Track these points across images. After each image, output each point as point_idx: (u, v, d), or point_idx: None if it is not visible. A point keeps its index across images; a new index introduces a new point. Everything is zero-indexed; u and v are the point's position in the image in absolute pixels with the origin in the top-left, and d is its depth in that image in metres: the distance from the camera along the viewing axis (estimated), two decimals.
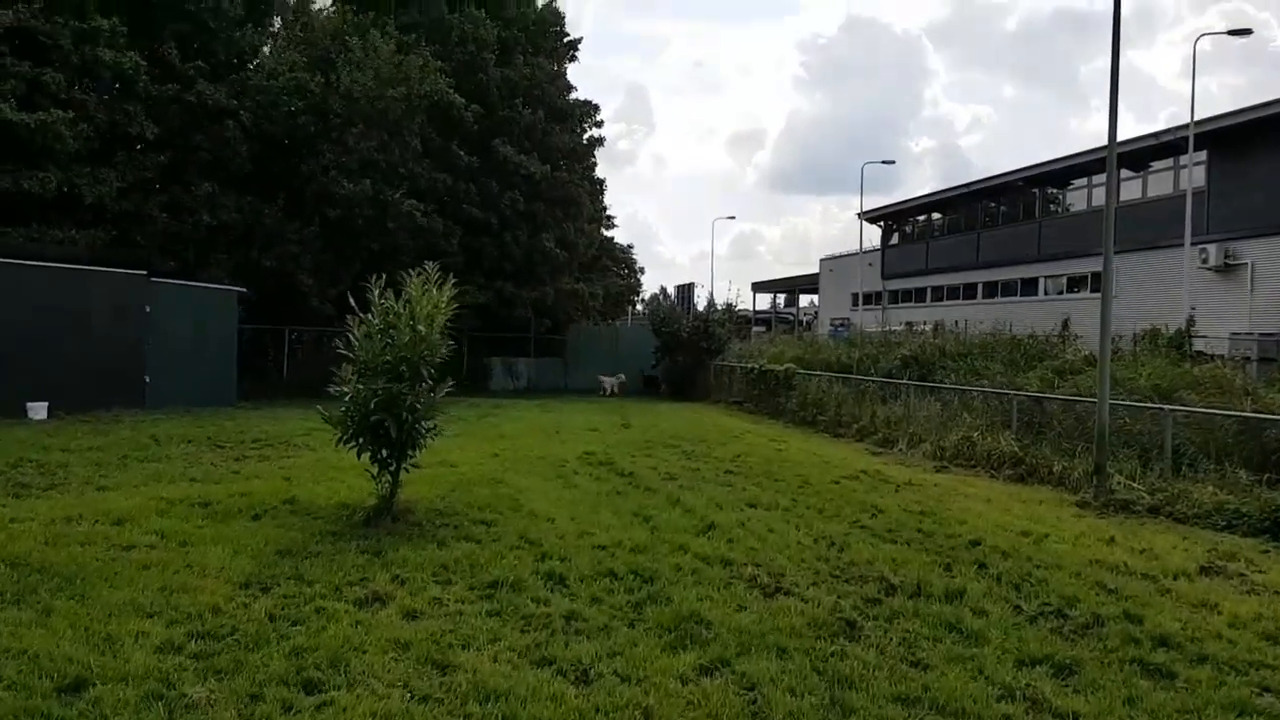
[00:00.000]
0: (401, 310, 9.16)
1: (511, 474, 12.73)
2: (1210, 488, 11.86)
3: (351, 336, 9.23)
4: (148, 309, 19.92)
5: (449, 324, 9.55)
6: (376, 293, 9.33)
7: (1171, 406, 13.40)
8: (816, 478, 13.49)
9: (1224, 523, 11.05)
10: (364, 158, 26.31)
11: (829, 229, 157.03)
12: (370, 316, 9.33)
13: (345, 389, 9.04)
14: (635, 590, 7.14)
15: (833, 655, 5.83)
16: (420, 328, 9.03)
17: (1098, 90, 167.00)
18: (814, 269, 65.01)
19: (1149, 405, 14.10)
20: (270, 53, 26.06)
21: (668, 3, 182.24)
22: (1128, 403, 14.41)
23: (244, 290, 22.36)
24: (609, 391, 31.79)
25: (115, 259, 20.35)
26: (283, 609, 6.28)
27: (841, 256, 60.23)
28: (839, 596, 7.19)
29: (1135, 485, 12.57)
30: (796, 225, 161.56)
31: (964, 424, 17.61)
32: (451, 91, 27.99)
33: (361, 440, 9.13)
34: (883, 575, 7.87)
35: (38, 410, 17.43)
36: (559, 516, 9.87)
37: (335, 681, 5.02)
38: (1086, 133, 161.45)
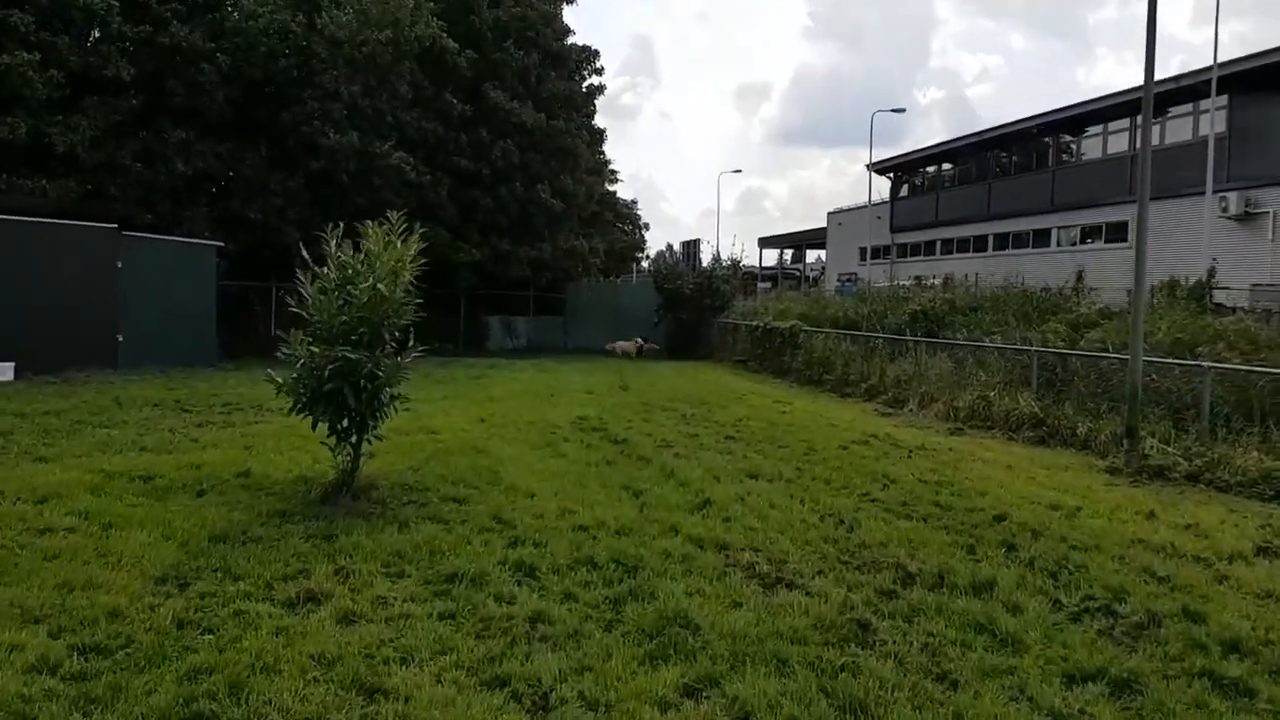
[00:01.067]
0: (360, 266, 8.16)
1: (496, 441, 11.78)
2: (1255, 453, 10.87)
3: (304, 293, 8.23)
4: (120, 264, 18.91)
5: (416, 281, 8.54)
6: (333, 244, 8.33)
7: (1210, 363, 12.35)
8: (823, 443, 12.53)
9: (1272, 492, 10.08)
10: (349, 104, 25.10)
11: (837, 183, 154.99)
12: (326, 270, 8.34)
13: (297, 353, 8.05)
14: (616, 583, 6.20)
15: (843, 670, 4.88)
16: (381, 286, 8.02)
17: (1106, 39, 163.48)
18: (821, 224, 63.65)
19: (1183, 362, 13.06)
20: None
21: None
22: (1160, 359, 13.37)
23: (223, 245, 21.30)
24: (624, 355, 29.92)
25: (88, 211, 19.31)
26: (196, 612, 5.35)
27: (849, 210, 58.82)
28: (849, 589, 6.25)
29: (1169, 449, 11.60)
30: (804, 180, 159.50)
31: (979, 382, 16.66)
32: (444, 35, 26.67)
33: (317, 410, 8.17)
34: (898, 561, 6.92)
35: (3, 371, 16.52)
36: (541, 491, 8.93)
37: (229, 717, 4.08)
38: (1094, 84, 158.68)
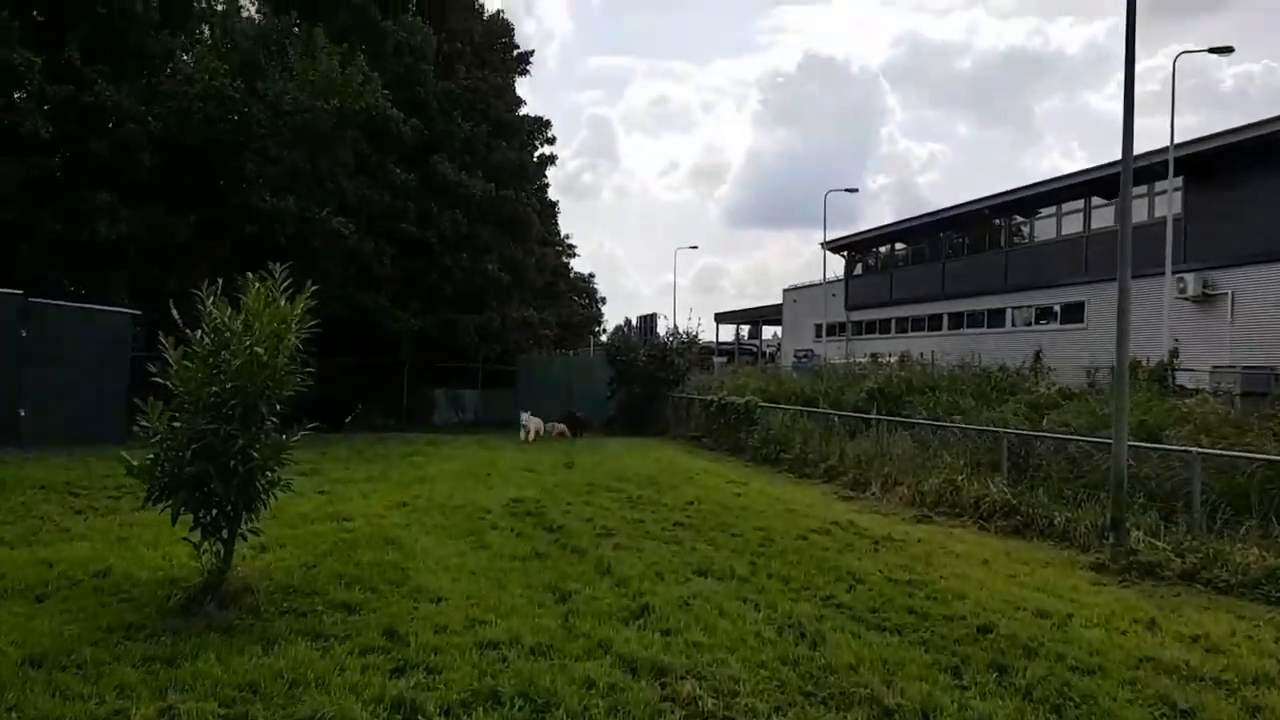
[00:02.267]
0: (235, 327, 6.91)
1: (414, 530, 10.42)
2: (1255, 549, 9.83)
3: (168, 358, 6.96)
4: (24, 333, 17.38)
5: (305, 348, 7.29)
6: (210, 301, 7.09)
7: (1200, 449, 11.38)
8: (781, 531, 11.32)
9: (1278, 594, 9.01)
10: (290, 169, 23.97)
11: (790, 263, 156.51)
12: (200, 334, 7.09)
13: (154, 427, 6.74)
14: None
15: None
16: (258, 349, 6.76)
17: (1052, 127, 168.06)
18: (777, 301, 63.32)
19: (1171, 447, 12.11)
20: (190, 59, 23.64)
21: (631, 41, 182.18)
22: (1143, 443, 12.41)
23: (140, 313, 19.83)
24: (529, 438, 24.85)
25: None
26: None
27: (804, 287, 58.61)
28: None
29: (1159, 544, 10.53)
30: (758, 259, 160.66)
31: (944, 465, 15.62)
32: (390, 106, 25.78)
33: (177, 498, 6.83)
34: (872, 691, 5.70)
35: None
36: (451, 594, 7.61)
37: None
38: (1041, 169, 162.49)
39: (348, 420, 23.92)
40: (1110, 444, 11.29)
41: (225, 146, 23.34)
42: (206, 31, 26.93)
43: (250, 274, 7.13)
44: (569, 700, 5.25)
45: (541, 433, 25.34)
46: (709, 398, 26.14)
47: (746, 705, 5.40)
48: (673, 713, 5.25)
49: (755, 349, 71.77)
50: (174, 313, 7.37)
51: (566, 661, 5.98)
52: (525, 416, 25.51)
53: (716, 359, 56.71)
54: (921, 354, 33.40)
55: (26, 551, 8.43)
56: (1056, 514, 12.29)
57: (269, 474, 7.06)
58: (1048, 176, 37.35)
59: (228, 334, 6.92)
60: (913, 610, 7.87)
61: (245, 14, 28.01)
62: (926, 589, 8.67)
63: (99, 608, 6.79)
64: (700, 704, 5.38)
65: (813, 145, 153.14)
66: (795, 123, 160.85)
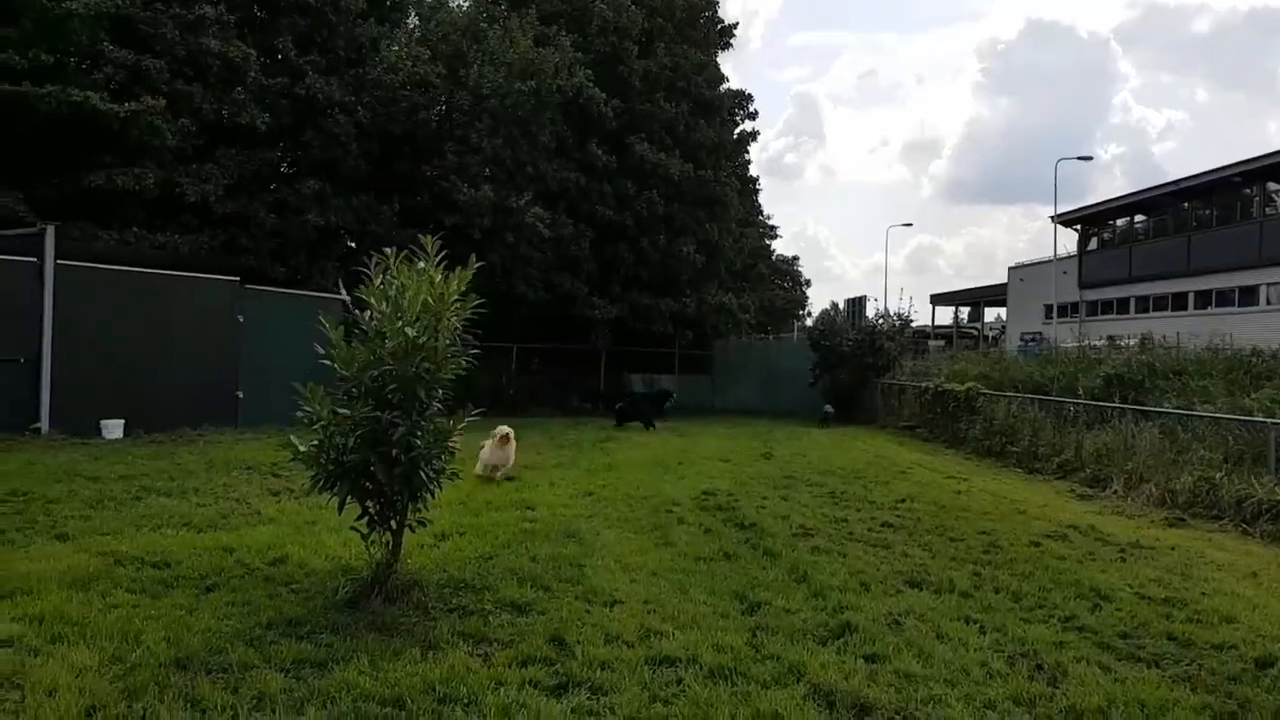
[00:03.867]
0: (383, 308, 6.43)
1: (596, 522, 9.83)
2: None
3: (331, 338, 6.59)
4: (241, 318, 18.22)
5: (468, 328, 6.75)
6: (378, 280, 6.66)
7: None
8: (1008, 536, 9.96)
9: None
10: (490, 157, 24.22)
11: (1015, 240, 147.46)
12: (368, 315, 6.69)
13: (316, 412, 6.39)
14: None
15: None
16: (410, 330, 6.25)
17: None
18: (1000, 280, 59.44)
19: None
20: (396, 48, 24.31)
21: (838, 14, 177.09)
22: None
23: (349, 299, 20.45)
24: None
25: (216, 264, 18.81)
26: None
27: (1032, 265, 54.55)
28: None
29: None
30: (978, 236, 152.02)
31: (1197, 460, 13.61)
32: (591, 85, 25.64)
33: (342, 487, 6.45)
34: None
35: (113, 429, 15.86)
36: (628, 597, 6.89)
37: None
38: None
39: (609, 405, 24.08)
40: None
41: (428, 135, 23.84)
42: (414, 19, 27.75)
43: (388, 250, 6.64)
44: None
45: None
46: (923, 384, 24.45)
47: None
48: None
49: (975, 332, 67.82)
50: (342, 292, 7.03)
51: (751, 688, 5.11)
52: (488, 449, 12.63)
53: (932, 343, 53.87)
54: (1164, 336, 30.17)
55: (211, 537, 8.39)
56: None
57: (434, 463, 6.56)
58: None
59: (381, 316, 6.46)
60: (1172, 636, 6.51)
61: (455, 2, 28.73)
62: (1187, 609, 7.23)
63: (265, 599, 6.51)
64: None
65: (1037, 115, 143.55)
66: (1018, 92, 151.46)
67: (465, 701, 4.79)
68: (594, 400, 27.13)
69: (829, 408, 27.15)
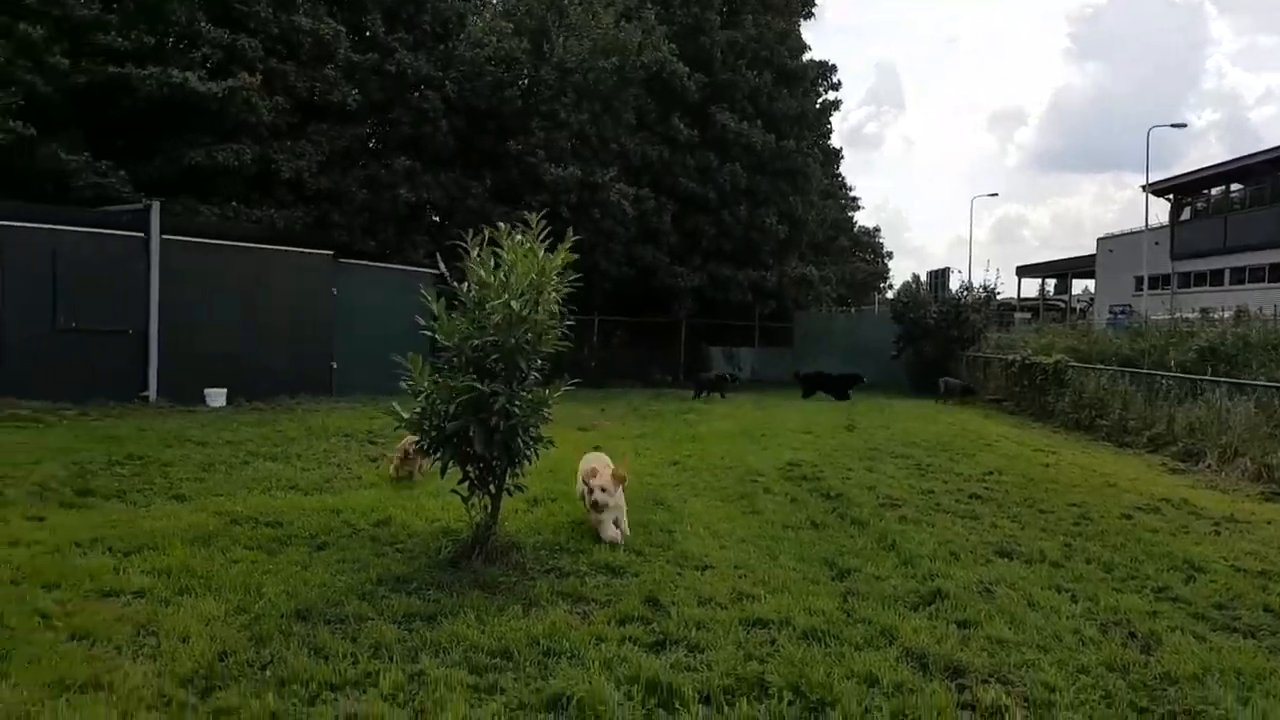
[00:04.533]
0: (492, 280, 6.66)
1: (683, 491, 10.03)
2: None
3: (433, 310, 6.86)
4: (335, 291, 18.82)
5: (565, 303, 6.95)
6: (475, 254, 6.89)
7: None
8: (1099, 509, 9.86)
9: None
10: (576, 132, 24.46)
11: (1104, 210, 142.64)
12: (465, 287, 6.93)
13: (419, 384, 6.67)
14: None
15: None
16: (515, 304, 6.47)
17: None
18: (1089, 251, 57.72)
19: None
20: (481, 23, 24.62)
21: None
22: None
23: (439, 272, 20.94)
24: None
25: (310, 239, 19.46)
26: None
27: (1122, 235, 52.83)
28: None
29: None
30: (1065, 207, 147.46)
31: None
32: (674, 59, 25.63)
33: (446, 452, 6.73)
34: (1225, 712, 4.56)
35: (216, 398, 16.60)
36: (718, 562, 7.07)
37: None
38: None
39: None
40: None
41: (513, 111, 24.14)
42: None
43: (502, 225, 6.85)
44: (846, 699, 4.50)
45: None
46: (1010, 357, 24.04)
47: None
48: None
49: (1062, 305, 66.03)
50: (441, 265, 7.29)
51: (844, 649, 5.24)
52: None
53: (1018, 316, 52.67)
54: (1260, 308, 29.05)
55: (317, 499, 8.81)
56: None
57: (531, 430, 6.79)
58: None
59: (486, 289, 6.69)
60: (1269, 609, 6.43)
61: None
62: None
63: (373, 557, 6.85)
64: (1007, 714, 4.47)
65: (1128, 81, 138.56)
66: (1108, 57, 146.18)
67: (569, 655, 5.02)
68: (717, 380, 24.58)
69: (952, 379, 25.83)
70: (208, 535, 7.23)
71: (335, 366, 18.81)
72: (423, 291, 6.95)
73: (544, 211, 7.18)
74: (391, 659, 4.88)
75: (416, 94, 22.30)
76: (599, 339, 27.97)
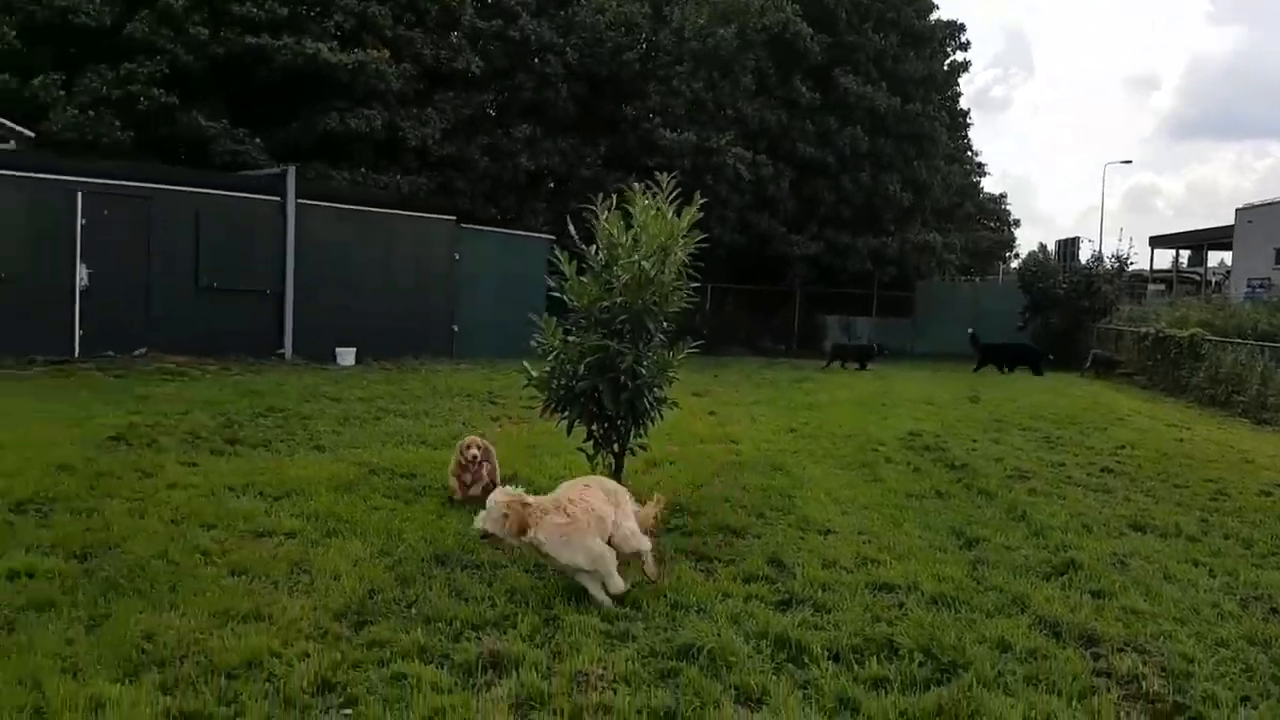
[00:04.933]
0: (623, 240, 6.76)
1: (801, 458, 10.00)
2: None
3: (564, 271, 7.00)
4: (457, 256, 19.33)
5: (691, 263, 7.02)
6: (604, 216, 7.00)
7: None
8: (1237, 485, 9.45)
9: None
10: (691, 99, 24.38)
11: (1242, 179, 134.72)
12: (595, 249, 7.05)
13: (550, 343, 6.85)
14: (919, 687, 4.26)
15: None
16: (645, 264, 6.56)
17: None
18: (1227, 222, 54.64)
19: None
20: None
21: None
22: None
23: (555, 238, 21.25)
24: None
25: (434, 205, 20.01)
26: (347, 671, 4.16)
27: (1264, 205, 49.82)
28: None
29: None
30: (1202, 175, 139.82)
31: None
32: (798, 19, 25.24)
33: (572, 411, 6.91)
34: None
35: (345, 356, 17.30)
36: (841, 528, 7.06)
37: None
38: None
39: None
40: None
41: (630, 76, 24.20)
42: None
43: (637, 185, 6.93)
44: (979, 662, 4.48)
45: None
46: (1142, 330, 23.09)
47: (1204, 692, 4.31)
48: (1108, 690, 4.30)
49: (1197, 277, 62.82)
50: (570, 227, 7.43)
51: (975, 616, 5.19)
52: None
53: (1150, 287, 50.35)
54: None
55: (446, 454, 9.08)
56: None
57: (656, 391, 6.90)
58: None
59: (618, 249, 6.80)
60: None
61: None
62: None
63: None
64: (1143, 683, 4.38)
65: (1271, 46, 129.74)
66: (1250, 21, 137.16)
67: (695, 609, 5.11)
68: (858, 350, 24.28)
69: (1100, 351, 24.33)
70: (349, 483, 7.61)
71: (456, 330, 19.34)
72: (555, 254, 7.06)
73: (644, 178, 7.24)
74: (527, 604, 5.07)
75: (537, 59, 22.56)
76: (711, 306, 27.94)
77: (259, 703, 3.79)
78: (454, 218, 19.42)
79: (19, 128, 16.87)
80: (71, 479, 7.26)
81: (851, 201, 27.13)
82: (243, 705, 3.77)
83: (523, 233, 21.43)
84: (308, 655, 4.25)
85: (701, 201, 7.04)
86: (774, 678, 4.31)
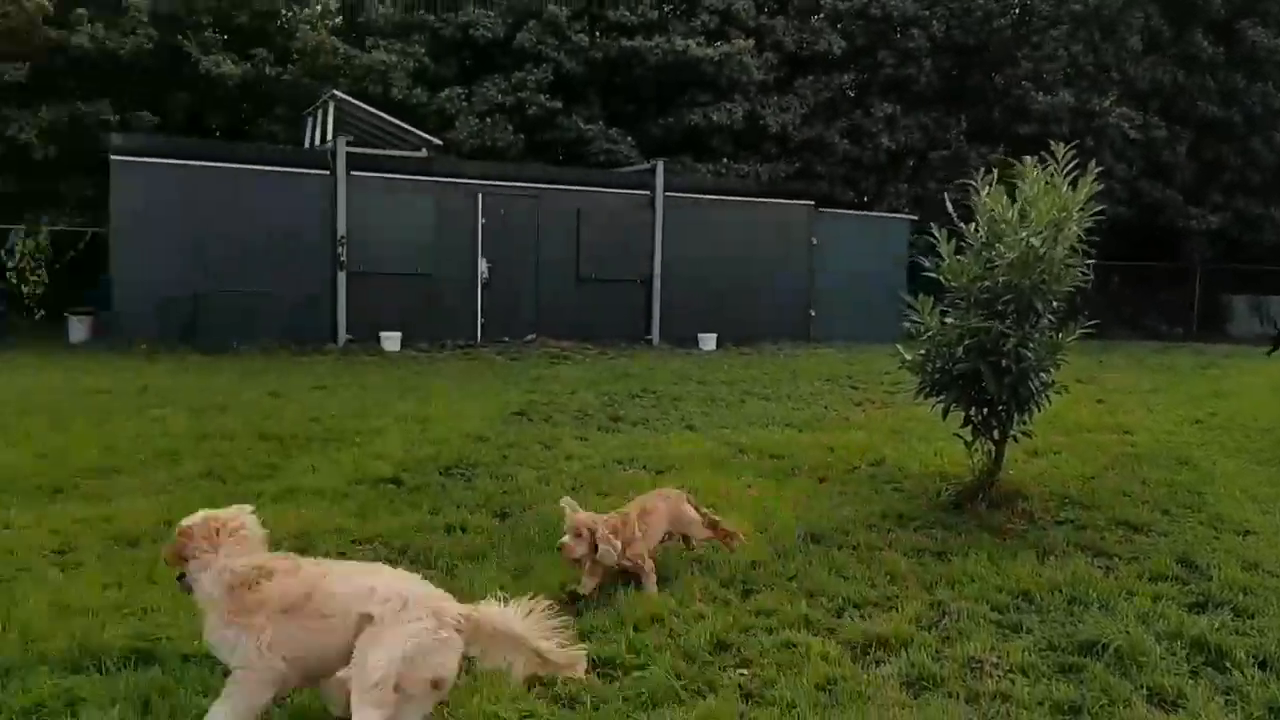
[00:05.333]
0: (1010, 216, 6.44)
1: (1210, 451, 9.00)
2: None
3: (941, 251, 6.80)
4: (814, 240, 19.39)
5: (1086, 239, 6.55)
6: (985, 192, 6.73)
7: None
8: None
9: None
10: (1069, 62, 22.61)
11: None
12: (974, 226, 6.79)
13: (926, 323, 6.68)
14: None
15: None
16: (1034, 240, 6.21)
17: None
18: None
19: None
20: None
21: None
22: None
23: (915, 218, 20.62)
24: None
25: (792, 190, 20.24)
26: (740, 634, 4.36)
27: None
28: None
29: None
30: None
31: None
32: None
33: (948, 395, 6.71)
34: None
35: (706, 341, 18.00)
36: (1262, 528, 6.30)
37: None
38: None
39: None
40: None
41: (1000, 42, 22.92)
42: None
43: (1028, 158, 6.57)
44: None
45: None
46: None
47: None
48: None
49: None
50: (948, 204, 7.21)
51: None
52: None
53: None
54: None
55: (811, 436, 9.24)
56: None
57: (1043, 375, 6.52)
58: None
59: (1002, 225, 6.49)
60: None
61: None
62: None
63: (872, 494, 7.06)
64: None
65: None
66: None
67: (1097, 605, 4.79)
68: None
69: None
70: (721, 461, 7.95)
71: (813, 314, 19.42)
72: (934, 231, 6.86)
73: (1013, 151, 6.79)
74: (908, 587, 5.03)
75: (900, 34, 22.00)
76: (1093, 285, 25.66)
77: (664, 653, 4.09)
78: (812, 202, 19.50)
79: (430, 137, 19.16)
80: (486, 448, 8.23)
81: (1261, 165, 23.78)
82: (650, 655, 4.09)
83: (880, 214, 21.05)
84: (703, 616, 4.52)
85: (1098, 171, 6.53)
86: (1190, 681, 3.97)
